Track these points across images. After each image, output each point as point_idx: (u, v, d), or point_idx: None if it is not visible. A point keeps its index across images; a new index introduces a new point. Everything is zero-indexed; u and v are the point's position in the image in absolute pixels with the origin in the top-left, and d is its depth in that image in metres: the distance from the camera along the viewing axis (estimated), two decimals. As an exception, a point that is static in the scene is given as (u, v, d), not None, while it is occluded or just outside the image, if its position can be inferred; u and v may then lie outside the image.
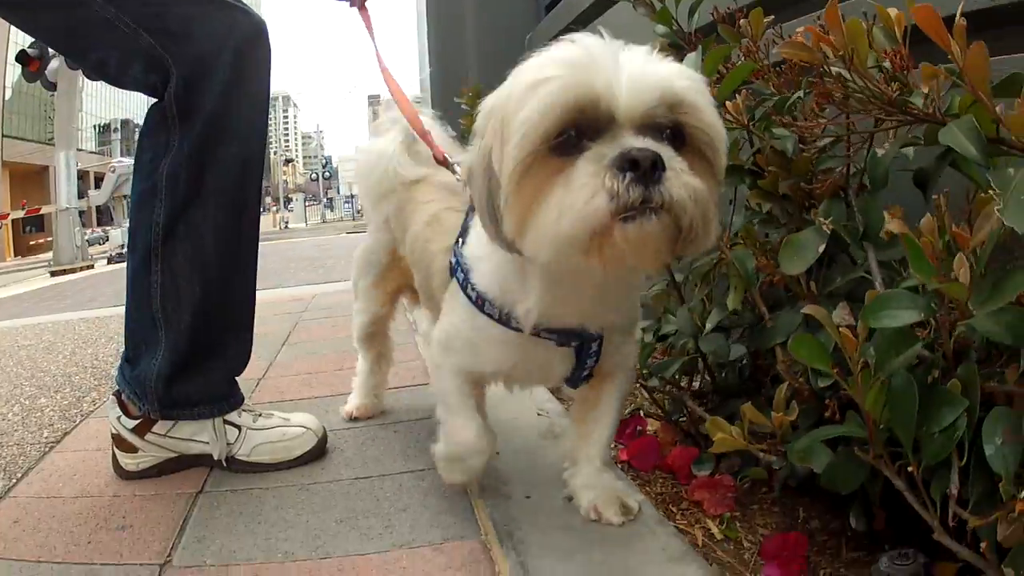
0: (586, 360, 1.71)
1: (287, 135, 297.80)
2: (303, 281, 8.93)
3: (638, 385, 2.43)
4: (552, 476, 1.99)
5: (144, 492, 2.22)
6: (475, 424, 1.86)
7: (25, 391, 3.78)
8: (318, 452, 2.35)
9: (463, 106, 5.00)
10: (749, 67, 1.83)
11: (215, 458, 2.29)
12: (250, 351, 2.46)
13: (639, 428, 2.29)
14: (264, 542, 1.86)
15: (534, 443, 2.32)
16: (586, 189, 1.23)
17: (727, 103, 1.79)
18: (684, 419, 2.26)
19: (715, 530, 1.84)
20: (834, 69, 1.41)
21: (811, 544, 1.70)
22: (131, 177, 2.38)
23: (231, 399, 2.35)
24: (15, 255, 44.22)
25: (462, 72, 6.19)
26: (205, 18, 2.17)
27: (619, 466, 2.15)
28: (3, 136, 41.67)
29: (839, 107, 1.48)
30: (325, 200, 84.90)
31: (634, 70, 1.26)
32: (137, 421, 2.29)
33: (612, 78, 1.25)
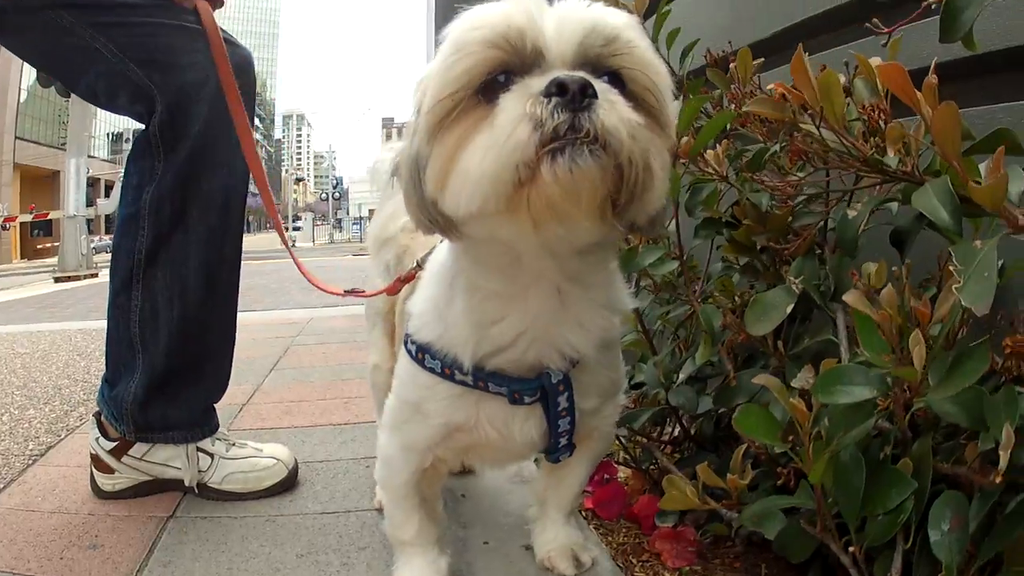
0: (557, 420, 1.50)
1: (299, 153, 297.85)
2: (300, 304, 8.97)
3: None
4: (513, 523, 2.06)
5: (118, 513, 2.29)
6: (414, 524, 1.72)
7: (15, 400, 3.87)
8: (288, 484, 2.42)
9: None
10: (727, 117, 1.80)
11: (186, 484, 2.36)
12: (228, 379, 2.52)
13: (607, 476, 2.30)
14: (226, 571, 1.93)
15: (500, 486, 2.34)
16: (509, 122, 1.09)
17: (707, 153, 1.79)
18: (654, 467, 2.25)
19: (673, 584, 1.85)
20: (804, 126, 1.39)
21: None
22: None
23: (205, 426, 2.42)
24: (21, 258, 44.36)
25: None
26: (190, 49, 2.23)
27: (584, 512, 2.19)
28: (16, 138, 41.80)
29: (813, 164, 1.48)
30: (334, 220, 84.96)
31: (563, 7, 1.17)
32: (115, 443, 2.37)
33: (537, 13, 1.14)
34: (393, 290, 1.90)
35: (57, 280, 16.90)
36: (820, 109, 1.31)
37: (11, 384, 4.32)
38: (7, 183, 43.62)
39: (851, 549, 1.27)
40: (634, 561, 1.95)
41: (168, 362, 2.33)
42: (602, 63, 1.16)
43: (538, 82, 1.10)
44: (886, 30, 1.44)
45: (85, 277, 17.12)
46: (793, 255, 1.64)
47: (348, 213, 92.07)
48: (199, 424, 2.41)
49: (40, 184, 46.28)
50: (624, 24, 1.19)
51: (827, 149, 1.39)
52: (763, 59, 1.92)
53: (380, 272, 2.28)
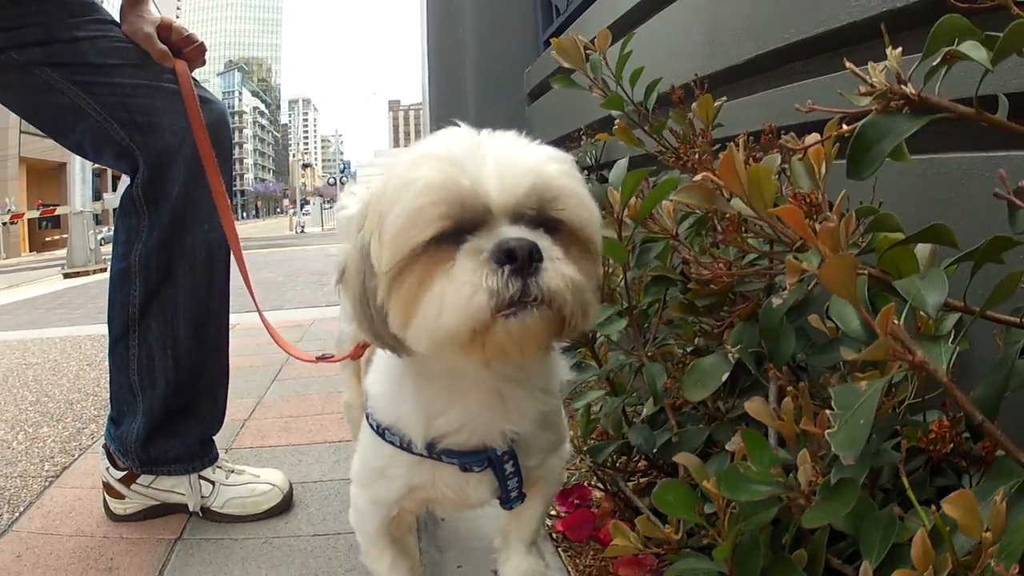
0: (506, 480, 1.64)
1: (306, 138, 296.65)
2: (306, 301, 9.15)
3: (582, 457, 2.58)
4: (485, 547, 2.18)
5: (130, 535, 2.52)
6: (388, 558, 1.86)
7: (29, 417, 4.08)
8: (284, 507, 2.63)
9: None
10: (673, 183, 1.78)
11: (191, 509, 2.58)
12: (223, 414, 2.72)
13: (578, 502, 2.40)
14: (227, 593, 2.15)
15: (477, 511, 2.29)
16: (466, 287, 1.20)
17: (662, 205, 1.82)
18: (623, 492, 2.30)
19: (632, 609, 1.93)
20: (736, 203, 1.37)
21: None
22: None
23: (204, 458, 2.63)
24: (30, 251, 44.39)
25: (461, 107, 6.34)
26: (168, 110, 2.35)
27: (555, 535, 2.33)
28: (21, 132, 41.82)
29: (743, 246, 1.53)
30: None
31: (502, 160, 1.26)
32: (123, 473, 2.59)
33: (481, 171, 1.24)
34: (356, 355, 2.10)
35: (67, 276, 17.05)
36: (751, 193, 1.33)
37: (24, 400, 4.52)
38: (13, 177, 43.57)
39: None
40: (597, 584, 2.10)
41: (165, 405, 2.52)
42: (543, 212, 1.27)
43: (486, 242, 1.22)
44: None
45: (94, 272, 17.23)
46: (735, 321, 1.68)
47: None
48: (198, 456, 2.61)
49: (47, 176, 46.21)
50: (558, 172, 1.30)
51: (757, 235, 1.47)
52: (724, 99, 2.01)
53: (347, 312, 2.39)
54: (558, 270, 1.23)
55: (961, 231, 1.22)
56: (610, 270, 2.01)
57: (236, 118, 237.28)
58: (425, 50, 6.70)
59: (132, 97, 2.34)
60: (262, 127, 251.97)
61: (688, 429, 1.84)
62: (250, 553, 2.37)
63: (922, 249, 1.30)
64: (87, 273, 17.14)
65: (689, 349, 1.92)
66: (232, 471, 2.69)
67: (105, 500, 2.66)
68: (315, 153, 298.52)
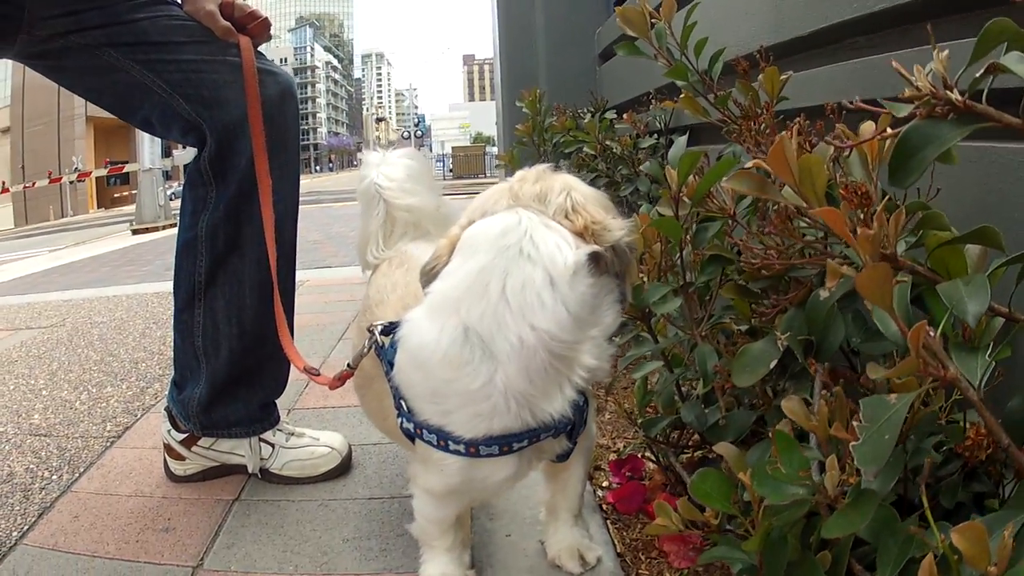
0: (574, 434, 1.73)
1: (380, 93, 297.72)
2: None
3: (635, 430, 2.64)
4: (535, 515, 2.25)
5: (188, 496, 2.61)
6: (447, 536, 1.93)
7: (93, 377, 4.20)
8: (342, 470, 2.70)
9: (523, 110, 5.24)
10: (730, 163, 1.78)
11: (250, 471, 2.67)
12: (286, 379, 2.78)
13: (629, 473, 2.43)
14: (281, 554, 2.23)
15: (532, 479, 2.23)
16: None
17: (711, 191, 1.82)
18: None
19: (672, 584, 1.99)
20: (787, 192, 1.34)
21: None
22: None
23: (265, 422, 2.70)
24: (98, 207, 45.16)
25: (533, 67, 6.36)
26: (234, 84, 2.39)
27: (605, 507, 2.38)
28: (88, 91, 42.53)
29: (791, 238, 1.51)
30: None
31: None
32: (184, 435, 2.68)
33: None
34: (335, 385, 2.23)
35: (135, 232, 17.40)
36: (806, 184, 1.28)
37: (89, 359, 4.64)
38: (80, 136, 44.29)
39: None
40: (642, 558, 2.14)
41: (229, 371, 2.59)
42: None
43: None
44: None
45: (163, 228, 17.57)
46: (787, 305, 1.65)
47: (431, 150, 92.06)
48: (259, 420, 2.69)
49: (115, 134, 46.72)
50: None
51: (810, 225, 1.45)
52: (790, 73, 1.99)
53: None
54: None
55: (1016, 225, 1.24)
56: (668, 247, 2.01)
57: (308, 73, 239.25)
58: (495, 7, 6.68)
59: (197, 72, 2.38)
60: (335, 82, 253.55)
61: (736, 412, 1.86)
62: (305, 515, 2.45)
63: (972, 247, 1.27)
64: (156, 229, 17.49)
65: (744, 328, 1.91)
66: (292, 434, 2.76)
67: (165, 461, 2.75)
68: (389, 107, 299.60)
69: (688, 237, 1.97)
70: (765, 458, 1.37)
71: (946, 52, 1.10)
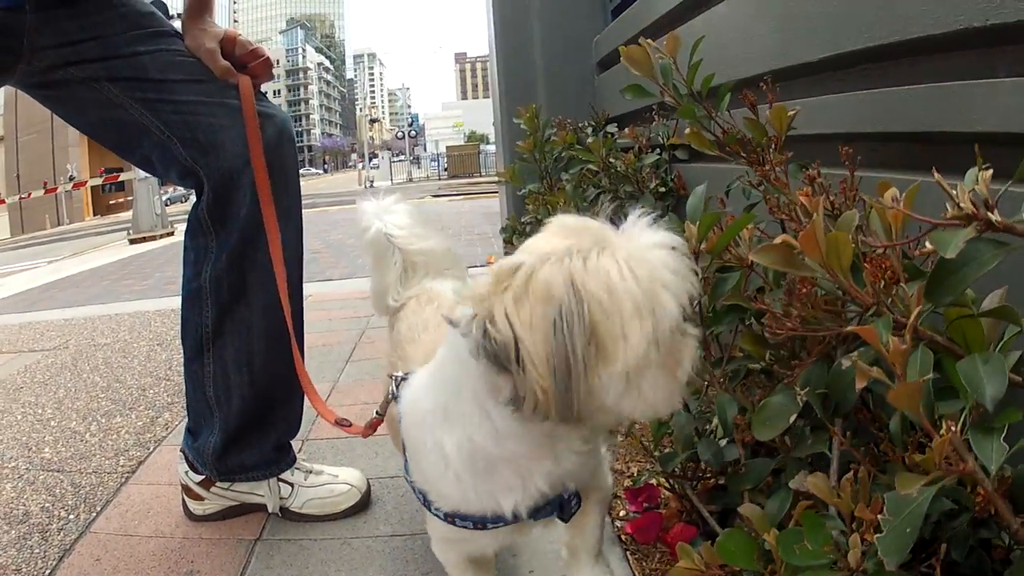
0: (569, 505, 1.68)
1: (373, 92, 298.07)
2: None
3: (651, 462, 2.62)
4: (556, 550, 2.19)
5: (210, 536, 2.61)
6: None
7: (101, 405, 4.20)
8: (361, 506, 2.71)
9: (521, 126, 5.24)
10: (748, 219, 1.85)
11: (270, 510, 2.67)
12: (300, 418, 2.78)
13: (647, 504, 2.44)
14: (307, 597, 2.23)
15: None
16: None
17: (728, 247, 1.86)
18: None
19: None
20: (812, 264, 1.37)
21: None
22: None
23: (282, 463, 2.70)
24: (94, 215, 45.19)
25: (529, 73, 6.31)
26: (231, 128, 2.36)
27: (623, 536, 2.38)
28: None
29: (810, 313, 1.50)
30: (412, 158, 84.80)
31: None
32: (202, 477, 2.68)
33: None
34: (366, 433, 2.22)
35: (132, 242, 17.40)
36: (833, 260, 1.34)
37: (96, 386, 4.64)
38: (74, 144, 44.28)
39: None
40: (662, 588, 2.13)
41: (241, 418, 2.59)
42: None
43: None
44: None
45: (161, 236, 17.60)
46: (806, 362, 1.66)
47: (425, 150, 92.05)
48: (275, 462, 2.69)
49: (109, 142, 46.89)
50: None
51: (835, 298, 1.46)
52: (798, 109, 1.99)
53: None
54: None
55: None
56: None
57: (301, 75, 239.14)
58: (490, 13, 6.66)
59: (194, 115, 2.36)
60: (327, 83, 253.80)
61: (755, 461, 1.89)
62: (329, 555, 2.45)
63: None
64: (153, 238, 17.51)
65: (757, 367, 1.94)
66: (310, 471, 2.77)
67: (184, 501, 2.75)
68: (382, 107, 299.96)
69: (707, 288, 1.97)
70: (784, 509, 1.56)
71: (989, 171, 1.15)
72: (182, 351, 2.65)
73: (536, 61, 6.26)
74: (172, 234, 18.12)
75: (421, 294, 2.27)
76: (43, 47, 2.25)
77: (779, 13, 2.79)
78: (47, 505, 2.94)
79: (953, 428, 1.09)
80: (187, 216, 2.55)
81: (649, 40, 2.17)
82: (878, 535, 1.13)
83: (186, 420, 2.71)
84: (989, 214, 1.13)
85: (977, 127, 1.76)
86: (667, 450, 2.28)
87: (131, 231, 18.32)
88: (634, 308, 1.28)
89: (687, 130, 2.19)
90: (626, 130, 4.31)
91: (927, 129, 2.01)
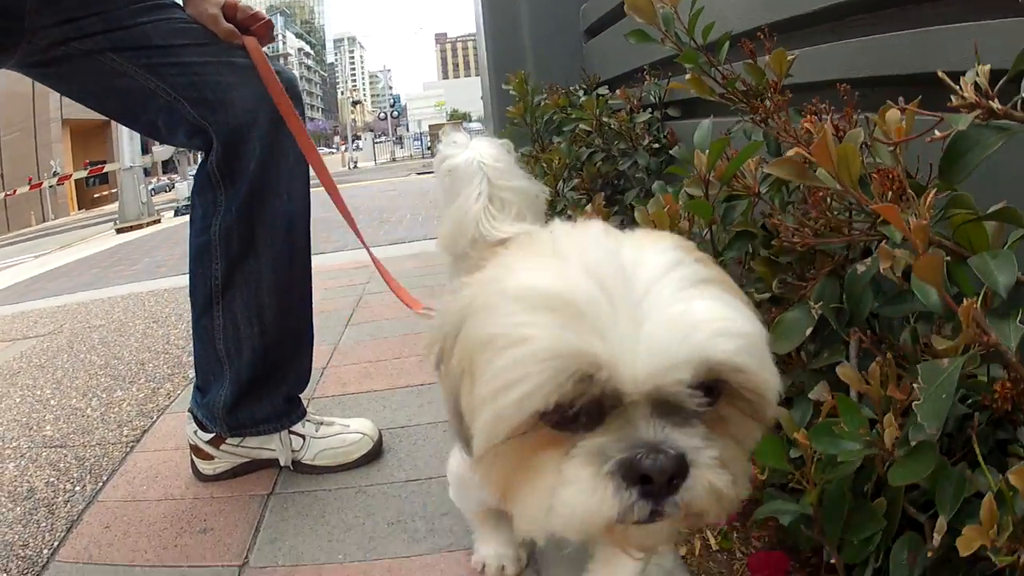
0: None
1: (354, 75, 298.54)
2: (369, 240, 8.79)
3: None
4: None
5: (221, 494, 2.58)
6: (492, 543, 1.93)
7: (101, 382, 4.14)
8: (374, 455, 2.69)
9: (511, 92, 5.25)
10: (756, 146, 1.98)
11: (282, 464, 2.64)
12: (309, 373, 2.77)
13: None
14: (327, 544, 2.21)
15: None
16: (581, 498, 0.96)
17: (735, 176, 1.97)
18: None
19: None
20: (823, 175, 1.45)
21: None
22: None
23: (292, 415, 2.68)
24: (79, 208, 45.16)
25: (517, 42, 6.34)
26: (240, 86, 2.38)
27: None
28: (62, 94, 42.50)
29: (826, 222, 1.62)
30: (394, 138, 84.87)
31: (659, 331, 0.92)
32: (211, 435, 2.65)
33: (623, 344, 0.92)
34: None
35: (119, 231, 17.38)
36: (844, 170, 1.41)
37: (93, 364, 4.58)
38: (57, 140, 44.23)
39: (832, 560, 1.52)
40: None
41: (252, 371, 2.57)
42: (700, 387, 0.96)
43: (613, 442, 0.95)
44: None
45: (147, 224, 17.61)
46: (818, 276, 1.74)
47: (408, 129, 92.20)
48: (286, 414, 2.67)
49: (91, 134, 46.75)
50: (738, 349, 0.96)
51: (847, 207, 1.58)
52: (796, 54, 2.07)
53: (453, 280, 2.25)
54: (706, 483, 0.97)
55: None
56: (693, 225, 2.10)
57: (281, 61, 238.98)
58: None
59: (202, 75, 2.36)
60: (308, 67, 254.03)
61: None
62: (345, 503, 2.43)
63: (989, 223, 1.39)
64: (140, 227, 17.50)
65: (767, 296, 1.98)
66: (321, 423, 2.74)
67: (193, 461, 2.72)
68: (364, 89, 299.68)
69: (717, 215, 2.08)
70: (806, 419, 1.63)
71: (987, 67, 1.29)
72: (190, 309, 2.63)
73: (524, 34, 6.32)
74: (159, 222, 18.13)
75: (534, 232, 2.03)
76: (43, 26, 2.23)
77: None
78: (52, 480, 2.89)
79: (976, 305, 1.19)
80: (193, 175, 2.55)
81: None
82: (916, 403, 1.21)
83: (193, 381, 2.69)
84: (991, 102, 1.26)
85: (963, 66, 1.83)
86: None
87: (118, 221, 18.31)
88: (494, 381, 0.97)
89: (687, 76, 2.24)
90: (617, 91, 4.35)
91: (916, 71, 2.11)
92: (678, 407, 0.96)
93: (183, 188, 21.37)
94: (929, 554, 1.29)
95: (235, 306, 2.53)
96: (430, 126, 62.77)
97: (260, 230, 2.49)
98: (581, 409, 0.95)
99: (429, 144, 54.22)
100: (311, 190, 2.63)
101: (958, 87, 1.28)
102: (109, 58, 2.31)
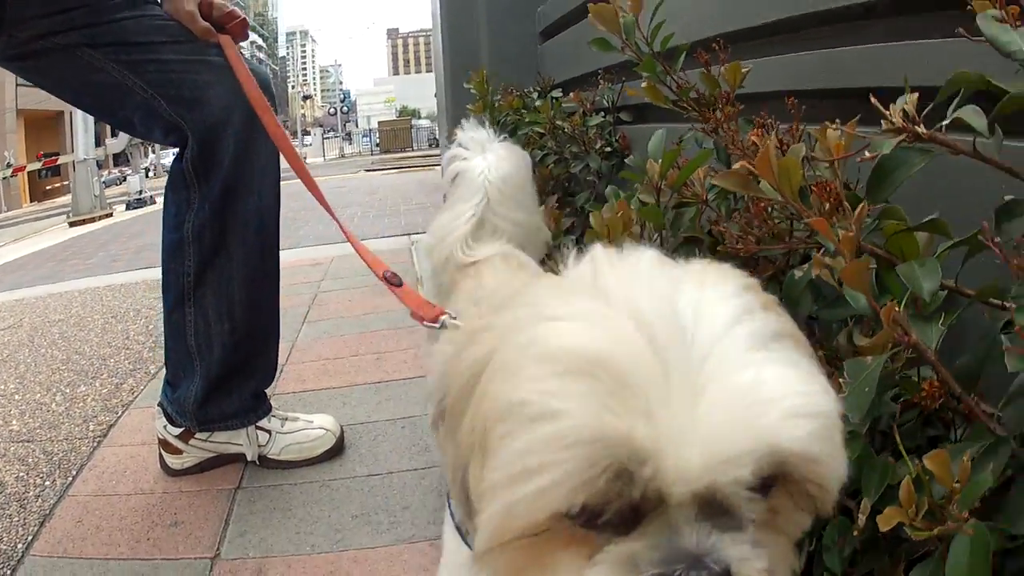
0: None
1: (305, 70, 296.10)
2: (321, 238, 9.04)
3: None
4: None
5: (190, 488, 2.63)
6: None
7: (64, 377, 4.13)
8: (337, 450, 2.76)
9: (471, 91, 5.29)
10: (706, 155, 2.05)
11: (249, 459, 2.70)
12: (275, 367, 2.82)
13: None
14: (295, 536, 2.28)
15: None
16: None
17: (685, 184, 2.04)
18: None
19: None
20: (765, 187, 1.53)
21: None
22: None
23: (259, 411, 2.74)
24: (31, 201, 44.52)
25: (473, 40, 6.35)
26: (216, 84, 2.40)
27: None
28: (17, 85, 41.72)
29: (768, 229, 1.68)
30: (344, 134, 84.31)
31: (719, 412, 0.71)
32: (181, 429, 2.69)
33: (674, 427, 0.70)
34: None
35: (72, 224, 17.17)
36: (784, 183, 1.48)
37: (55, 359, 4.56)
38: (12, 130, 43.49)
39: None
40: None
41: (222, 366, 2.61)
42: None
43: (649, 549, 0.74)
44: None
45: (100, 218, 17.37)
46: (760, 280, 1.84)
47: (357, 125, 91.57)
48: (253, 410, 2.72)
49: (45, 126, 46.01)
50: (814, 436, 0.75)
51: (788, 217, 1.64)
52: (750, 68, 2.15)
53: (433, 293, 2.19)
54: None
55: (965, 207, 1.43)
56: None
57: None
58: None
59: (179, 73, 2.39)
60: (260, 61, 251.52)
61: None
62: (311, 496, 2.50)
63: (921, 234, 1.46)
64: (92, 220, 17.27)
65: None
66: (286, 419, 2.80)
67: (161, 456, 2.76)
68: (314, 84, 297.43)
69: (667, 222, 2.14)
70: None
71: (916, 95, 1.35)
72: (162, 303, 2.67)
73: (481, 32, 6.29)
74: (111, 215, 17.91)
75: (509, 256, 1.99)
76: (26, 18, 2.25)
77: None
78: (21, 475, 2.91)
79: (897, 308, 1.25)
80: (168, 171, 2.58)
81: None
82: (842, 395, 1.24)
83: (155, 376, 2.72)
84: (916, 127, 1.30)
85: (900, 82, 1.91)
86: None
87: (71, 214, 18.08)
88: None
89: (643, 84, 2.29)
90: (571, 95, 4.39)
91: (862, 85, 2.09)
92: (727, 505, 0.75)
93: (135, 181, 21.12)
94: (855, 533, 1.35)
95: (206, 302, 2.57)
96: (379, 122, 62.42)
97: (232, 228, 2.52)
98: (611, 504, 0.74)
99: (379, 141, 53.99)
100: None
101: (888, 111, 1.35)
102: (87, 53, 2.32)
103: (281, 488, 2.57)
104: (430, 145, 54.14)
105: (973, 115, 1.24)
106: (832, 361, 1.54)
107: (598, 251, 0.88)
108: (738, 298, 0.81)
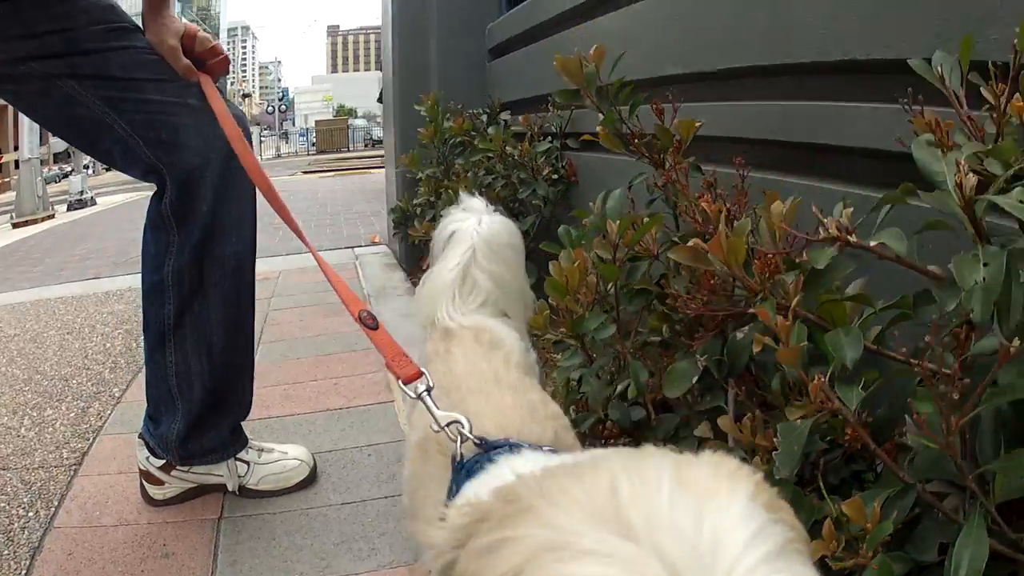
0: None
1: (245, 67, 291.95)
2: (266, 249, 8.32)
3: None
4: None
5: (173, 519, 2.70)
6: None
7: (29, 399, 4.08)
8: (311, 480, 2.87)
9: (422, 113, 5.35)
10: (658, 219, 2.25)
11: (229, 489, 2.80)
12: (251, 401, 2.90)
13: None
14: (283, 564, 2.39)
15: None
16: None
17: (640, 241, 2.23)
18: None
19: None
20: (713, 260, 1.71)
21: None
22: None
23: (237, 444, 2.82)
24: (-30, 198, 43.77)
25: (423, 54, 6.36)
26: (194, 127, 2.40)
27: None
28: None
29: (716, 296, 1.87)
30: (281, 133, 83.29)
31: None
32: (163, 461, 2.77)
33: None
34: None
35: (15, 226, 16.94)
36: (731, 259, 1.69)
37: (17, 379, 4.50)
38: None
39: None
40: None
41: (202, 405, 2.68)
42: None
43: None
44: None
45: (43, 219, 17.14)
46: (704, 334, 2.03)
47: (294, 124, 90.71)
48: (232, 444, 2.81)
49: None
50: None
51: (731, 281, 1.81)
52: (701, 123, 2.34)
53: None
54: None
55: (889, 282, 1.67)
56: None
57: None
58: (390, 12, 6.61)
59: (158, 115, 2.39)
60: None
61: (664, 416, 2.28)
62: (292, 525, 2.60)
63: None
64: (36, 221, 17.04)
65: (658, 339, 2.32)
66: (262, 449, 2.89)
67: (143, 486, 2.82)
68: (253, 81, 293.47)
69: (622, 276, 2.33)
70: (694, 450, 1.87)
71: (850, 210, 1.59)
72: (143, 341, 2.72)
73: (431, 41, 6.29)
74: (53, 217, 17.68)
75: (482, 332, 1.94)
76: (3, 38, 2.25)
77: (681, 23, 3.08)
78: (3, 505, 2.91)
79: (823, 378, 1.44)
80: (146, 211, 2.60)
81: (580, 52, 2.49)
82: (775, 453, 1.50)
83: (128, 398, 2.77)
84: (848, 237, 1.53)
85: (841, 141, 2.19)
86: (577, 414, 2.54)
87: (14, 215, 17.85)
88: None
89: (599, 128, 2.48)
90: (520, 118, 4.47)
91: (803, 140, 2.37)
92: None
93: (77, 181, 20.74)
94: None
95: (186, 344, 2.63)
96: (317, 122, 61.94)
97: (210, 271, 2.57)
98: None
99: (315, 141, 53.48)
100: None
101: (826, 222, 1.56)
102: (68, 84, 2.32)
103: (262, 517, 2.66)
104: (366, 145, 53.77)
105: (896, 239, 1.48)
106: (766, 404, 1.81)
107: (612, 457, 0.86)
108: (755, 514, 0.77)
